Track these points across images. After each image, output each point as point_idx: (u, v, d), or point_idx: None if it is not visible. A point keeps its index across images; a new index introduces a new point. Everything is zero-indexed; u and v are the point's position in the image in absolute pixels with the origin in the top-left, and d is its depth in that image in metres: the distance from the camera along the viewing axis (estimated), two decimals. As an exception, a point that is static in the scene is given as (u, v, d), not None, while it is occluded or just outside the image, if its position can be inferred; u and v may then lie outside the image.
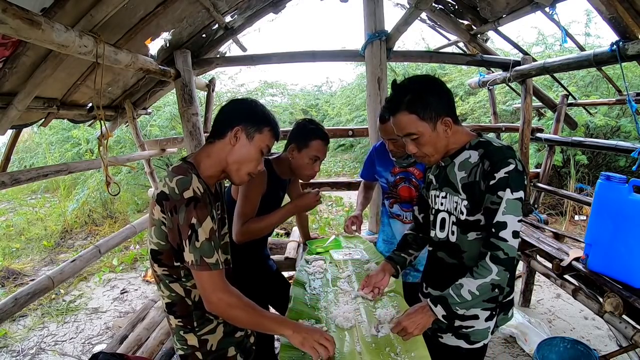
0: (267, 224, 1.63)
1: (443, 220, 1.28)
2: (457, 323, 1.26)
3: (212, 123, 1.23)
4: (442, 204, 1.28)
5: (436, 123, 1.16)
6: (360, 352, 1.23)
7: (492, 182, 1.10)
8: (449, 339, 1.30)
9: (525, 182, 1.13)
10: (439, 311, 1.16)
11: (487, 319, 1.25)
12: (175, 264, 1.10)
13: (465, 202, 1.18)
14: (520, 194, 1.10)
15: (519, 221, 1.11)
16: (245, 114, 1.17)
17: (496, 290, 1.13)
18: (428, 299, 1.19)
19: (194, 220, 1.01)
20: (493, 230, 1.10)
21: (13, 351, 2.99)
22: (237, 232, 1.57)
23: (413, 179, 1.88)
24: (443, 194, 1.27)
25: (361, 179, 2.24)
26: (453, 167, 1.23)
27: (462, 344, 1.27)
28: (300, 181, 2.01)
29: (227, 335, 1.21)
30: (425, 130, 1.16)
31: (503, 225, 1.09)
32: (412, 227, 1.55)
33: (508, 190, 1.09)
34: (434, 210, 1.33)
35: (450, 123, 1.17)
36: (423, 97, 1.15)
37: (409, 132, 1.18)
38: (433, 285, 1.38)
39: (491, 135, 1.30)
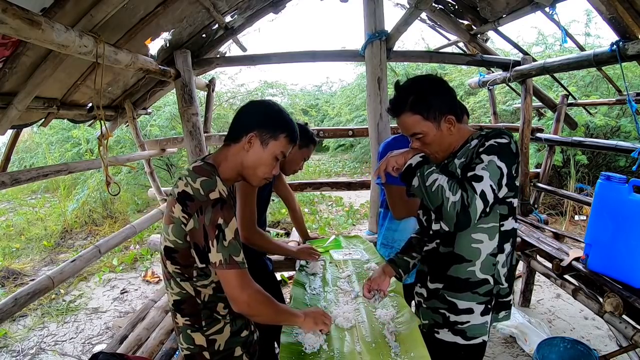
0: (269, 245, 1.83)
1: None
2: (453, 318, 1.25)
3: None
4: None
5: (440, 122, 1.19)
6: (360, 352, 1.23)
7: (480, 149, 1.11)
8: (445, 335, 1.28)
9: (516, 166, 1.12)
10: (415, 159, 1.19)
11: (483, 313, 1.23)
12: (200, 264, 1.10)
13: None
14: (505, 167, 1.08)
15: (494, 192, 1.06)
16: (261, 119, 1.16)
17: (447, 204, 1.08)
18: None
19: (220, 221, 1.03)
20: (467, 176, 1.08)
21: (13, 351, 2.99)
22: (247, 233, 1.67)
23: None
24: None
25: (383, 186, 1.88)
26: (453, 159, 1.23)
27: (459, 340, 1.26)
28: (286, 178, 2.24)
29: (233, 335, 1.22)
30: (430, 129, 1.19)
31: (478, 178, 1.05)
32: (417, 231, 1.51)
33: (494, 156, 1.08)
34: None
35: (453, 121, 1.19)
36: (425, 97, 1.17)
37: (414, 132, 1.21)
38: (431, 276, 1.33)
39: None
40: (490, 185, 1.05)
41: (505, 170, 1.08)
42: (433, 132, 1.19)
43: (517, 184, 1.19)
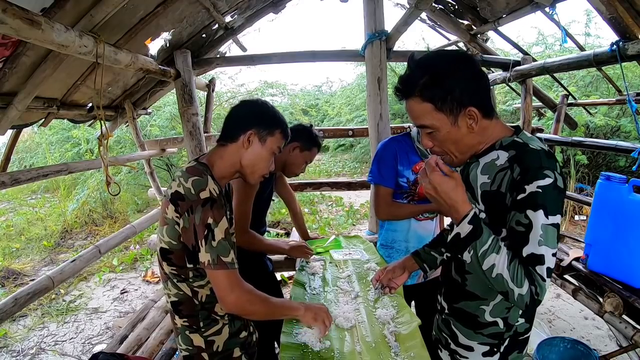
0: (260, 245, 1.77)
1: None
2: (453, 347, 1.15)
3: (221, 124, 1.28)
4: None
5: (458, 116, 0.91)
6: (360, 352, 1.23)
7: (520, 197, 0.87)
8: (445, 357, 1.21)
9: (564, 204, 0.92)
10: (464, 228, 0.88)
11: (485, 354, 1.08)
12: (188, 265, 1.11)
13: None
14: (557, 218, 0.86)
15: (555, 255, 0.88)
16: (258, 118, 1.20)
17: (504, 308, 1.01)
18: (474, 209, 0.89)
19: (210, 220, 1.03)
20: (525, 257, 0.88)
21: (13, 351, 2.99)
22: (237, 234, 1.58)
23: None
24: None
25: (375, 186, 1.82)
26: (476, 168, 0.99)
27: None
28: (288, 179, 2.21)
29: (232, 336, 1.22)
30: (443, 124, 0.92)
31: (540, 260, 0.85)
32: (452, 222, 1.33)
33: (541, 212, 0.85)
34: None
35: (476, 115, 0.91)
36: (443, 81, 0.89)
37: (423, 124, 0.94)
38: (444, 294, 1.21)
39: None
40: (552, 253, 0.87)
41: (558, 222, 0.87)
42: (447, 128, 0.92)
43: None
